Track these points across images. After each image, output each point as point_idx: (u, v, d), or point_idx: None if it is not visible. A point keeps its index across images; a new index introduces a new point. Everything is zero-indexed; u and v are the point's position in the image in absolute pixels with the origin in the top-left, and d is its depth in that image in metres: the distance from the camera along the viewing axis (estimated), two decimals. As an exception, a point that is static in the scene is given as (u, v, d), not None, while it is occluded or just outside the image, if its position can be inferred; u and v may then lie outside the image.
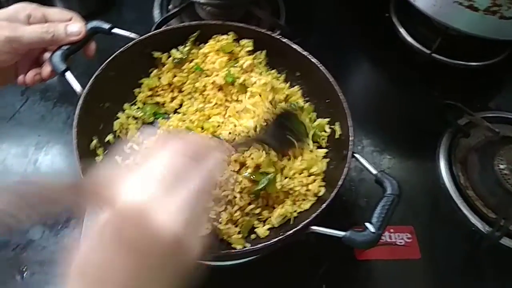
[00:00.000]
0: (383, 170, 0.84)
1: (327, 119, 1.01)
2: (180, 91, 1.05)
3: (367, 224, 0.77)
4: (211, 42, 1.04)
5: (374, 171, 0.84)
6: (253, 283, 0.96)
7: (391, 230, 1.03)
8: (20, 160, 1.11)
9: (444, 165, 1.13)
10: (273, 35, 1.04)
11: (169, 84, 1.04)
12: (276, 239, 0.76)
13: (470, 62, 1.30)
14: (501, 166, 1.06)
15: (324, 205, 0.80)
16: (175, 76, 1.04)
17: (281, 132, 0.90)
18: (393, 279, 0.99)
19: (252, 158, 0.87)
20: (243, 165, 0.89)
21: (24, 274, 0.95)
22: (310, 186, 0.91)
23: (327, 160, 0.96)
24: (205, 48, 1.03)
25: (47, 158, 1.12)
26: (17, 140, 1.14)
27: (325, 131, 1.00)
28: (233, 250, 0.78)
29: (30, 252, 0.98)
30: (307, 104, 1.04)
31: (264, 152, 0.88)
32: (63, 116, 1.19)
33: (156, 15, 1.32)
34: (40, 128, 1.17)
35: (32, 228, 1.00)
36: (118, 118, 0.98)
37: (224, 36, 1.04)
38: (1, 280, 0.94)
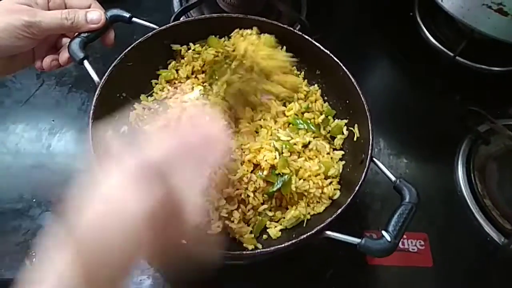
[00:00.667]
0: (402, 177, 0.82)
1: (345, 121, 0.99)
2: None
3: (384, 232, 0.75)
4: (236, 35, 1.02)
5: (393, 178, 0.82)
6: (259, 282, 0.96)
7: (405, 237, 1.02)
8: (33, 145, 1.11)
9: (462, 172, 1.11)
10: (295, 31, 1.01)
11: (187, 77, 1.02)
12: (289, 242, 0.75)
13: (494, 67, 1.27)
14: (521, 176, 1.04)
15: (339, 211, 0.78)
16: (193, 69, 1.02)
17: None
18: (404, 286, 0.98)
19: (266, 160, 0.86)
20: (256, 166, 0.88)
21: (34, 259, 0.94)
22: (325, 189, 0.90)
23: (343, 162, 0.94)
24: (232, 42, 1.01)
25: (60, 144, 1.11)
26: (31, 124, 1.14)
27: (343, 133, 0.98)
28: (245, 252, 0.77)
29: (39, 237, 0.98)
30: (326, 105, 1.02)
31: (277, 153, 0.87)
32: (78, 102, 1.18)
33: (176, 4, 1.31)
34: (54, 113, 1.16)
35: (42, 213, 1.00)
36: (134, 109, 0.96)
37: (248, 31, 1.01)
38: (10, 265, 0.95)
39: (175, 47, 1.01)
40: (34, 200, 1.02)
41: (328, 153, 0.94)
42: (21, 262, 0.94)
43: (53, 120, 1.14)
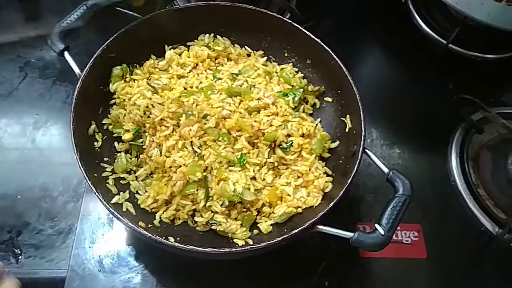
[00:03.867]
0: (395, 169, 0.80)
1: (328, 135, 0.98)
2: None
3: (377, 226, 0.74)
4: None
5: (386, 170, 0.80)
6: (252, 277, 0.93)
7: (398, 228, 0.98)
8: (17, 139, 1.07)
9: (455, 162, 1.09)
10: (284, 19, 0.99)
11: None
12: (280, 238, 0.73)
13: (487, 55, 1.24)
14: (515, 165, 1.02)
15: (331, 204, 0.77)
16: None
17: None
18: (398, 278, 0.97)
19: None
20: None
21: (19, 257, 0.93)
22: (315, 182, 0.88)
23: (330, 179, 0.92)
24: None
25: (45, 138, 1.08)
26: (15, 118, 1.10)
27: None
28: (234, 249, 0.75)
29: (25, 235, 0.95)
30: (322, 130, 1.00)
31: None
32: (62, 95, 1.14)
33: (162, -8, 1.27)
34: (38, 106, 1.12)
35: (28, 210, 0.98)
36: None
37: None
38: (-5, 264, 0.92)
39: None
40: (18, 196, 0.99)
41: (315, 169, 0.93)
42: (7, 261, 0.92)
43: (37, 114, 1.11)
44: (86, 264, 0.90)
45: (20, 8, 1.25)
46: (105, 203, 0.75)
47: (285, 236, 0.73)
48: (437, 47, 1.25)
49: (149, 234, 0.73)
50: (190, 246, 0.72)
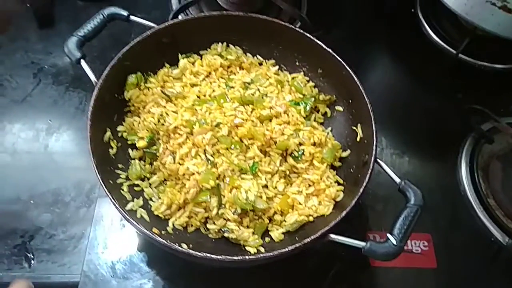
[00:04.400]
0: (407, 179, 0.80)
1: (339, 144, 0.99)
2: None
3: (389, 236, 0.74)
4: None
5: (397, 180, 0.81)
6: (262, 284, 0.94)
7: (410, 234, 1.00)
8: (30, 145, 1.08)
9: (465, 171, 1.10)
10: (296, 28, 1.00)
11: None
12: (293, 247, 0.74)
13: (497, 65, 1.25)
14: (525, 176, 1.03)
15: (344, 213, 0.77)
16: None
17: None
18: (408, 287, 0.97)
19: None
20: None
21: (32, 262, 0.94)
22: (326, 191, 0.89)
23: (342, 188, 0.93)
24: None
25: (57, 144, 1.09)
26: (28, 124, 1.12)
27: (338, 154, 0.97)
28: (247, 257, 0.75)
29: (38, 239, 0.96)
30: (333, 139, 1.00)
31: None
32: (75, 101, 1.16)
33: (174, 1, 1.28)
34: (51, 112, 1.14)
35: (40, 215, 0.99)
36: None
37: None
38: (8, 268, 0.93)
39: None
40: (31, 201, 1.00)
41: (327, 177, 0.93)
42: (20, 265, 0.93)
43: (50, 120, 1.12)
44: (99, 270, 0.91)
45: (34, 15, 1.27)
46: (120, 209, 0.76)
47: (298, 245, 0.74)
48: (447, 57, 1.25)
49: (164, 241, 0.74)
50: (204, 254, 0.72)
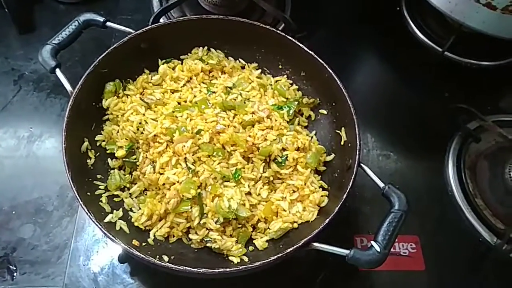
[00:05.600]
0: (390, 183, 0.79)
1: (323, 148, 0.97)
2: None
3: (373, 243, 0.73)
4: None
5: (381, 184, 0.79)
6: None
7: (395, 240, 0.99)
8: (12, 153, 1.07)
9: (452, 171, 1.09)
10: (278, 31, 0.98)
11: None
12: (275, 257, 0.73)
13: (483, 62, 1.24)
14: (512, 175, 1.02)
15: (326, 221, 0.76)
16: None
17: None
18: (396, 291, 0.96)
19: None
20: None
21: (14, 274, 0.92)
22: (311, 196, 0.88)
23: (326, 193, 0.91)
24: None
25: (39, 152, 1.07)
26: (9, 132, 1.10)
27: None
28: (228, 269, 0.74)
29: (20, 251, 0.95)
30: (317, 143, 0.99)
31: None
32: (57, 108, 1.14)
33: (156, 4, 1.26)
34: (33, 120, 1.12)
35: (23, 226, 0.97)
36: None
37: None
38: (-11, 280, 0.91)
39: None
40: (13, 212, 0.99)
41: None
42: (2, 277, 0.92)
43: (31, 128, 1.10)
44: (80, 282, 0.90)
45: (13, 21, 1.24)
46: (97, 223, 0.74)
47: (279, 255, 0.73)
48: (432, 55, 1.24)
49: (142, 255, 0.72)
50: (184, 267, 0.71)
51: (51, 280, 0.92)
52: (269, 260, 0.72)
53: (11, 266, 0.93)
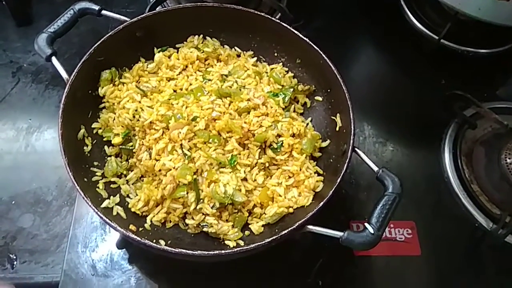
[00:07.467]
0: (384, 167, 0.80)
1: (319, 134, 0.97)
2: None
3: (366, 225, 0.73)
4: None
5: (375, 168, 0.80)
6: (248, 276, 0.94)
7: (391, 225, 1.00)
8: (11, 145, 1.08)
9: (448, 158, 1.09)
10: (273, 18, 0.99)
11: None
12: (269, 239, 0.73)
13: (479, 49, 1.24)
14: (508, 160, 1.02)
15: (321, 204, 0.76)
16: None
17: None
18: (392, 276, 0.97)
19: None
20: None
21: (14, 263, 0.93)
22: (306, 182, 0.88)
23: (321, 179, 0.92)
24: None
25: (38, 143, 1.08)
26: (8, 124, 1.11)
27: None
28: (223, 251, 0.74)
29: (20, 240, 0.96)
30: (312, 130, 0.99)
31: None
32: (55, 100, 1.14)
33: (152, -7, 1.26)
34: (31, 111, 1.13)
35: (22, 215, 0.98)
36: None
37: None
38: (-10, 269, 0.92)
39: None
40: (13, 202, 1.00)
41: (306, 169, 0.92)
42: (2, 266, 0.93)
43: (30, 119, 1.11)
44: (79, 269, 0.91)
45: (11, 13, 1.25)
46: (94, 207, 0.75)
47: (274, 237, 0.73)
48: (429, 42, 1.24)
49: (138, 238, 0.73)
50: (180, 250, 0.72)
51: (51, 269, 0.93)
52: (263, 242, 0.73)
53: (11, 255, 0.94)
